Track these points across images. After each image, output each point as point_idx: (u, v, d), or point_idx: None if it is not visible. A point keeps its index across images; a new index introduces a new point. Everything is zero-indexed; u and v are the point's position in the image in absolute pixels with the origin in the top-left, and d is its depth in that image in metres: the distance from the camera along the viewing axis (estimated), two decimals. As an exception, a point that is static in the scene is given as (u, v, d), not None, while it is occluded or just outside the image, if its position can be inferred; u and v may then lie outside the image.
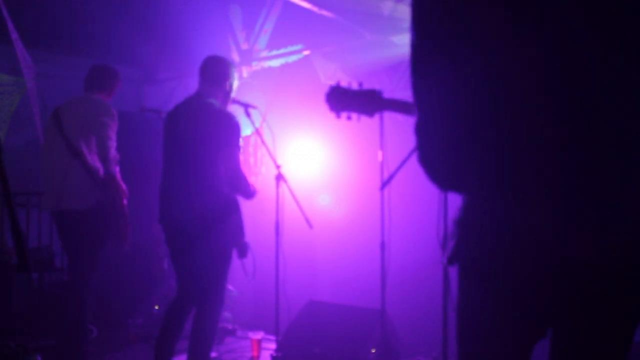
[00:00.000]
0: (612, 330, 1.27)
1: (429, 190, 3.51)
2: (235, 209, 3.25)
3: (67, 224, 3.70)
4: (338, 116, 2.24)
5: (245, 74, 5.74)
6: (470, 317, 1.35)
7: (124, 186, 3.76)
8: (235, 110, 3.69)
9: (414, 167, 3.63)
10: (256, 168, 5.00)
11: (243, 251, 3.29)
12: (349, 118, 2.26)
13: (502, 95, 1.14)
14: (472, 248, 1.26)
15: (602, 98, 1.13)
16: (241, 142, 3.21)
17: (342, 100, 2.20)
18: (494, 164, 1.16)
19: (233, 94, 3.44)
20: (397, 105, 2.19)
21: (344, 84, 2.22)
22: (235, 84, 3.44)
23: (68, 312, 3.65)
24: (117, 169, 3.71)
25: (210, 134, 3.13)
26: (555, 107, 1.13)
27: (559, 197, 1.14)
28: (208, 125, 3.16)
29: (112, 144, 3.63)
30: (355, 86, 2.21)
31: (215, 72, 3.32)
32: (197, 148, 3.15)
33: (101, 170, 3.64)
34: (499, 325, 1.30)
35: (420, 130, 1.21)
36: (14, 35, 3.99)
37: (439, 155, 1.20)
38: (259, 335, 4.23)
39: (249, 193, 3.27)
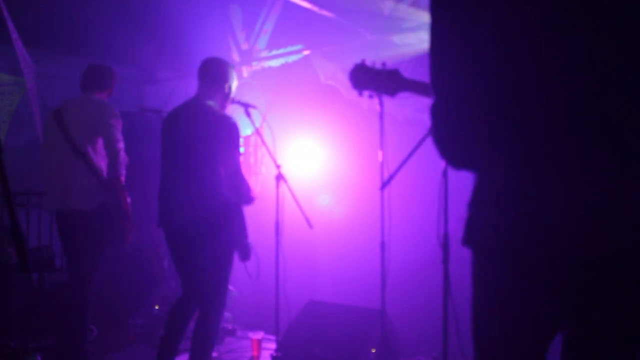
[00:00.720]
0: (626, 316, 1.26)
1: (429, 190, 3.51)
2: (237, 212, 3.24)
3: (70, 224, 3.67)
4: (360, 94, 2.30)
5: (245, 74, 5.74)
6: (487, 300, 1.33)
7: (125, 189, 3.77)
8: (236, 110, 3.69)
9: (414, 167, 3.64)
10: (256, 168, 5.00)
11: (246, 253, 3.27)
12: (370, 97, 2.30)
13: (514, 74, 1.19)
14: (486, 226, 1.27)
15: (618, 74, 1.16)
16: (241, 145, 3.22)
17: (365, 78, 2.25)
18: (505, 140, 1.20)
19: (233, 95, 3.43)
20: (417, 86, 2.22)
21: (368, 62, 2.26)
22: (235, 85, 3.43)
23: (69, 313, 3.63)
24: (124, 171, 3.69)
25: (210, 137, 3.13)
26: (568, 86, 1.17)
27: (570, 172, 1.17)
28: (207, 128, 3.15)
29: (121, 145, 3.63)
30: (378, 66, 2.26)
31: (214, 73, 3.31)
32: (197, 151, 3.14)
33: (105, 171, 3.63)
34: (518, 307, 1.29)
35: (436, 110, 1.27)
36: (14, 35, 3.99)
37: (451, 133, 1.25)
38: (259, 335, 4.23)
39: (248, 198, 3.26)
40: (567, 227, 1.18)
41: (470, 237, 1.31)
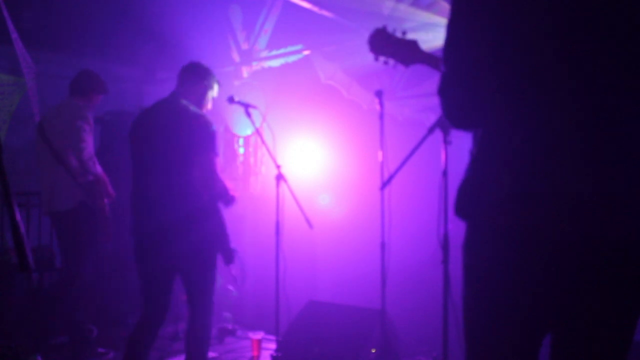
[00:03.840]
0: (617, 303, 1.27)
1: (429, 190, 3.51)
2: (213, 213, 3.09)
3: (56, 225, 3.94)
4: (376, 58, 2.32)
5: (245, 74, 5.73)
6: (482, 276, 1.33)
7: (110, 187, 3.90)
8: (236, 110, 3.69)
9: (414, 167, 3.63)
10: (256, 168, 5.00)
11: (229, 257, 3.15)
12: (385, 63, 2.32)
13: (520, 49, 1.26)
14: (488, 188, 1.29)
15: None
16: (218, 146, 3.06)
17: (383, 44, 2.28)
18: (507, 95, 1.27)
19: (209, 99, 3.27)
20: (433, 60, 2.25)
21: (389, 29, 2.29)
22: (213, 93, 3.28)
23: (59, 309, 3.83)
24: (99, 168, 3.86)
25: (185, 137, 2.99)
26: (572, 61, 1.22)
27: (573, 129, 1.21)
28: (182, 128, 3.01)
29: (85, 145, 3.77)
30: (399, 34, 2.28)
31: (190, 73, 3.22)
32: (169, 151, 3.00)
33: (84, 172, 3.78)
34: (513, 290, 1.28)
35: (445, 76, 1.33)
36: (14, 35, 3.99)
37: (458, 89, 1.32)
38: (259, 335, 4.23)
39: (227, 198, 3.12)
40: (574, 199, 1.19)
41: (468, 207, 1.32)
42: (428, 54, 2.26)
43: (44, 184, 3.87)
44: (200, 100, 3.20)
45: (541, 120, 1.23)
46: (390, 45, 2.27)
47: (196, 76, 3.21)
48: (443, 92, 1.34)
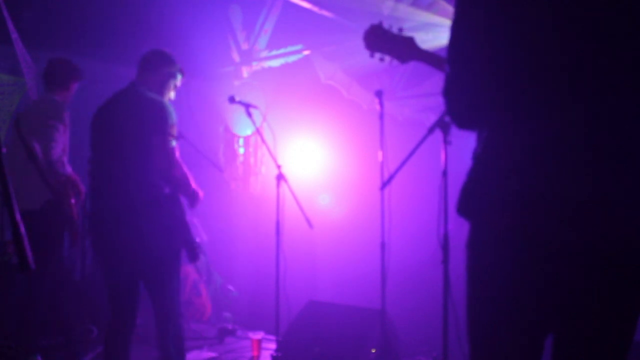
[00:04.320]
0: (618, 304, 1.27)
1: (429, 190, 3.51)
2: (174, 206, 2.88)
3: (25, 224, 3.78)
4: (372, 55, 2.28)
5: (245, 74, 5.74)
6: (487, 274, 1.33)
7: (81, 187, 3.78)
8: (236, 110, 3.69)
9: (414, 167, 3.63)
10: (256, 168, 5.00)
11: (193, 253, 2.90)
12: (381, 60, 2.28)
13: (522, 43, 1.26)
14: (491, 189, 1.29)
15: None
16: (173, 132, 2.83)
17: (379, 40, 2.23)
18: (512, 95, 1.27)
19: (171, 89, 3.11)
20: (429, 58, 2.20)
21: (385, 25, 2.24)
22: (177, 80, 3.13)
23: (27, 310, 3.74)
24: (69, 168, 3.73)
25: (137, 122, 2.82)
26: (573, 55, 1.23)
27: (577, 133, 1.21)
28: (133, 112, 2.85)
29: (55, 145, 3.61)
30: (395, 30, 2.24)
31: (150, 61, 3.07)
32: (127, 139, 2.83)
33: (54, 172, 3.64)
34: (514, 290, 1.28)
35: (450, 77, 1.33)
36: (14, 35, 3.99)
37: (463, 90, 1.32)
38: (259, 335, 4.23)
39: (190, 192, 2.93)
40: (574, 201, 1.20)
41: (472, 207, 1.33)
42: (425, 51, 2.22)
43: (14, 181, 3.79)
44: (161, 89, 3.03)
45: (544, 122, 1.23)
46: (386, 42, 2.23)
47: (156, 64, 3.06)
48: (448, 92, 1.34)
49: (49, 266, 3.76)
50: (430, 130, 3.04)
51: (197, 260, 2.97)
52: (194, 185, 2.95)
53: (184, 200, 2.94)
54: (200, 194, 2.98)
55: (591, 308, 1.26)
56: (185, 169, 2.91)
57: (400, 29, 2.25)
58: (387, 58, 2.27)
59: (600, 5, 1.23)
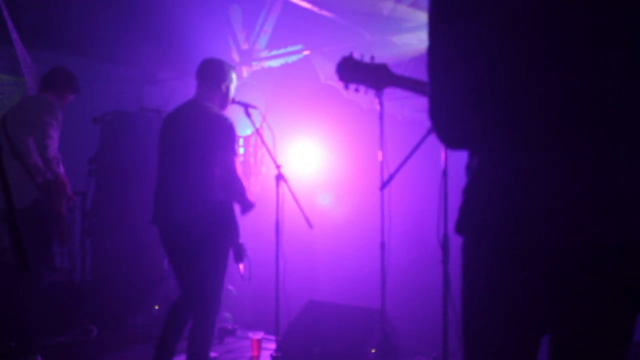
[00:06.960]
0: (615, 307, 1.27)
1: (429, 190, 3.51)
2: (230, 212, 3.23)
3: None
4: (346, 87, 2.28)
5: (245, 74, 5.74)
6: (476, 290, 1.33)
7: (69, 187, 3.76)
8: (236, 110, 3.69)
9: (414, 167, 3.63)
10: (256, 168, 5.00)
11: (239, 254, 3.27)
12: (356, 90, 2.27)
13: (508, 57, 1.23)
14: (480, 209, 1.28)
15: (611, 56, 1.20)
16: (240, 146, 3.22)
17: (352, 71, 2.23)
18: (501, 119, 1.24)
19: (232, 95, 3.42)
20: (406, 83, 2.20)
21: (356, 55, 2.24)
22: (234, 86, 3.43)
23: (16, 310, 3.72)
24: (62, 168, 3.72)
25: (205, 137, 3.13)
26: (561, 72, 1.20)
27: (565, 153, 1.19)
28: (203, 128, 3.16)
29: (51, 142, 3.61)
30: (367, 59, 2.23)
31: (212, 74, 3.32)
32: (191, 151, 3.15)
33: (44, 170, 3.61)
34: (507, 298, 1.28)
35: (434, 94, 1.29)
36: (14, 35, 4.00)
37: (450, 109, 1.28)
38: (259, 335, 4.23)
39: (245, 200, 3.26)
40: (559, 216, 1.19)
41: (463, 224, 1.32)
42: (400, 77, 2.21)
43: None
44: (224, 102, 3.37)
45: (534, 145, 1.22)
46: (359, 72, 2.22)
47: (218, 81, 3.32)
48: (433, 116, 1.30)
49: (34, 265, 3.74)
50: (430, 130, 3.04)
51: (242, 261, 3.30)
52: (249, 196, 3.29)
53: (236, 206, 3.30)
54: (254, 204, 3.31)
55: (589, 309, 1.25)
56: (244, 181, 3.26)
57: (372, 57, 2.24)
58: (362, 88, 2.27)
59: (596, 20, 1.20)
